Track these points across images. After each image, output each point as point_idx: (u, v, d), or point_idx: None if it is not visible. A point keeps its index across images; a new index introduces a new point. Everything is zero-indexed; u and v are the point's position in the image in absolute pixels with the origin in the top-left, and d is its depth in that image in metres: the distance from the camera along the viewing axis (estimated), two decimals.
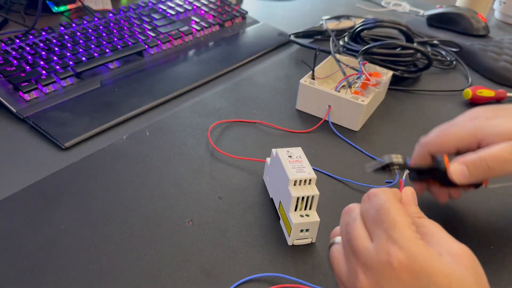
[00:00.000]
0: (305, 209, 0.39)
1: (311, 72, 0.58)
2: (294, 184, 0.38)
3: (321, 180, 0.47)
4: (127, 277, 0.35)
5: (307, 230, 0.39)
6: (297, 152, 0.41)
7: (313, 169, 0.40)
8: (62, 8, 0.80)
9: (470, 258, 0.26)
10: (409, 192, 0.32)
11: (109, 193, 0.43)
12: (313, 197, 0.38)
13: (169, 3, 0.80)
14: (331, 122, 0.56)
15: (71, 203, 0.42)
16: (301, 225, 0.38)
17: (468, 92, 0.64)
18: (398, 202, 0.29)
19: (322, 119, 0.57)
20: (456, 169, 0.36)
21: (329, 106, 0.56)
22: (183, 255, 0.38)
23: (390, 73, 0.61)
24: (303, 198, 0.38)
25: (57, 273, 0.35)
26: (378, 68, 0.61)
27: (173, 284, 0.35)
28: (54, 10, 0.79)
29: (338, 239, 0.31)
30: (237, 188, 0.45)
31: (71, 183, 0.44)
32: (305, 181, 0.39)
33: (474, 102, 0.65)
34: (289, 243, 0.40)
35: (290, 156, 0.40)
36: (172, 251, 0.38)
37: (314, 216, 0.39)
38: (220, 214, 0.42)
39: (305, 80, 0.57)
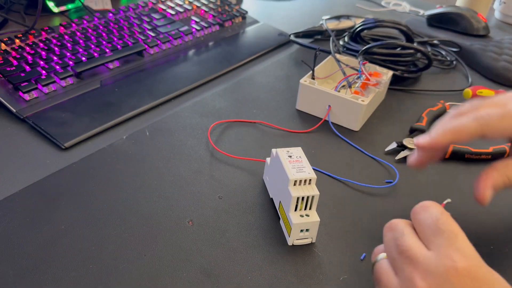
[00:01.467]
0: (305, 209, 0.39)
1: (311, 72, 0.58)
2: (294, 184, 0.38)
3: (321, 180, 0.47)
4: (127, 277, 0.35)
5: (307, 230, 0.39)
6: (297, 152, 0.41)
7: (313, 169, 0.40)
8: (62, 8, 0.80)
9: None
10: None
11: (109, 193, 0.43)
12: (313, 197, 0.38)
13: (169, 3, 0.80)
14: (331, 122, 0.56)
15: (71, 203, 0.42)
16: (301, 225, 0.38)
17: (468, 92, 0.64)
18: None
19: (322, 119, 0.57)
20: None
21: (329, 106, 0.56)
22: (183, 255, 0.38)
23: (390, 73, 0.61)
24: (303, 198, 0.38)
25: (57, 273, 0.35)
26: (378, 68, 0.61)
27: (173, 284, 0.35)
28: (54, 10, 0.79)
29: (382, 255, 0.32)
30: (237, 188, 0.45)
31: (71, 183, 0.44)
32: (305, 181, 0.38)
33: None
34: (289, 243, 0.40)
35: (290, 156, 0.40)
36: (172, 251, 0.38)
37: (314, 216, 0.39)
38: (220, 214, 0.42)
39: (305, 80, 0.57)
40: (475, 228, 0.43)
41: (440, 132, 0.36)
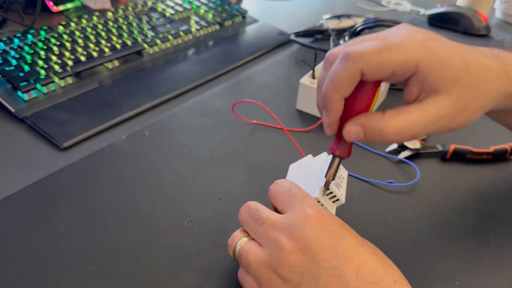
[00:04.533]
0: None
1: (311, 71, 0.57)
2: (324, 194, 0.37)
3: None
4: (126, 278, 0.35)
5: None
6: (344, 172, 0.40)
7: None
8: (61, 8, 0.80)
9: None
10: None
11: (108, 194, 0.43)
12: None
13: (169, 2, 0.80)
14: None
15: (70, 203, 0.41)
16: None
17: None
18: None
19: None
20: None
21: None
22: (182, 256, 0.37)
23: None
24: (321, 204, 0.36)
25: (56, 274, 0.35)
26: None
27: (172, 285, 0.35)
28: (53, 10, 0.79)
29: (242, 239, 0.33)
30: (237, 189, 0.45)
31: (70, 183, 0.44)
32: (334, 196, 0.37)
33: None
34: None
35: (339, 170, 0.39)
36: (171, 252, 0.38)
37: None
38: (219, 214, 0.42)
39: (306, 79, 0.57)
40: (476, 229, 0.43)
41: (329, 105, 0.34)
